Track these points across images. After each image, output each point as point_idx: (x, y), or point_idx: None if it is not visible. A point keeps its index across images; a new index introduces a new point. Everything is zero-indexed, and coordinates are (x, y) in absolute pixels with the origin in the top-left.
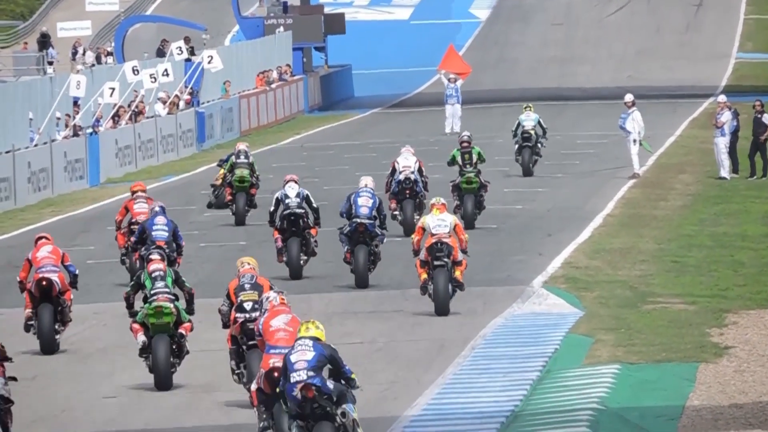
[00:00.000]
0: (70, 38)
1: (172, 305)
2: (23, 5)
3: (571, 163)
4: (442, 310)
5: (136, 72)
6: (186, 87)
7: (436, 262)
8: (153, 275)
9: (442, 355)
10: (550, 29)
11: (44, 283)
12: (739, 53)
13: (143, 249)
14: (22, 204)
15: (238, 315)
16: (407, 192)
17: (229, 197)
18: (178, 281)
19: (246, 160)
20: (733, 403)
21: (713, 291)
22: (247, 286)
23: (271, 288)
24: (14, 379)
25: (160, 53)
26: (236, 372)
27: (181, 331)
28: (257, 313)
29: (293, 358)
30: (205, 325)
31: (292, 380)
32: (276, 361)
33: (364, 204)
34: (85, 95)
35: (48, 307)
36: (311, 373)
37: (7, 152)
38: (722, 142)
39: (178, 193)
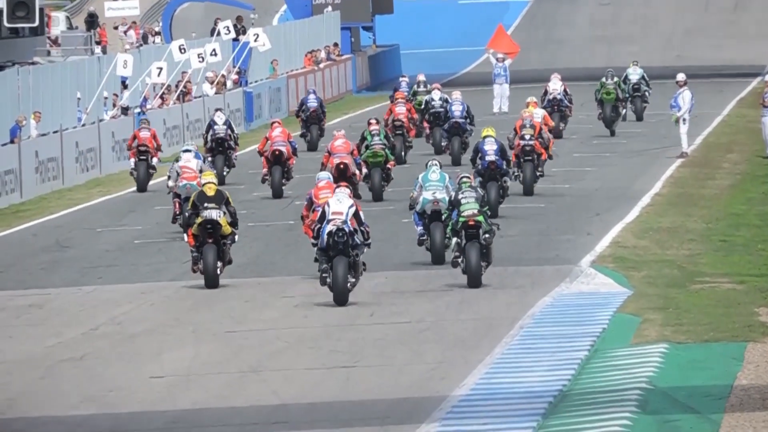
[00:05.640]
0: (117, 18)
1: (383, 151)
2: None
3: (619, 143)
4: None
5: (183, 51)
6: (234, 66)
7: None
8: (372, 132)
9: (490, 334)
10: (598, 9)
11: (277, 152)
12: None
13: (303, 114)
14: (70, 184)
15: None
16: (555, 107)
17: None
18: (387, 137)
19: (425, 89)
20: None
21: (761, 270)
22: None
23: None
24: None
25: (214, 33)
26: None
27: (389, 166)
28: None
29: (486, 147)
30: (252, 305)
31: (486, 159)
32: (338, 161)
33: (457, 108)
34: (132, 75)
35: (278, 168)
36: (497, 156)
37: (55, 132)
38: None
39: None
